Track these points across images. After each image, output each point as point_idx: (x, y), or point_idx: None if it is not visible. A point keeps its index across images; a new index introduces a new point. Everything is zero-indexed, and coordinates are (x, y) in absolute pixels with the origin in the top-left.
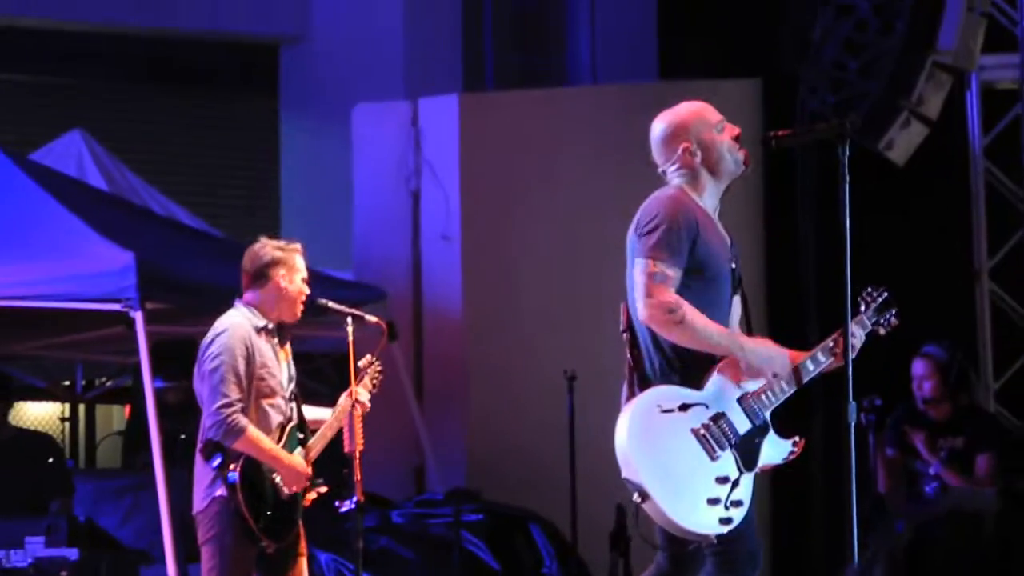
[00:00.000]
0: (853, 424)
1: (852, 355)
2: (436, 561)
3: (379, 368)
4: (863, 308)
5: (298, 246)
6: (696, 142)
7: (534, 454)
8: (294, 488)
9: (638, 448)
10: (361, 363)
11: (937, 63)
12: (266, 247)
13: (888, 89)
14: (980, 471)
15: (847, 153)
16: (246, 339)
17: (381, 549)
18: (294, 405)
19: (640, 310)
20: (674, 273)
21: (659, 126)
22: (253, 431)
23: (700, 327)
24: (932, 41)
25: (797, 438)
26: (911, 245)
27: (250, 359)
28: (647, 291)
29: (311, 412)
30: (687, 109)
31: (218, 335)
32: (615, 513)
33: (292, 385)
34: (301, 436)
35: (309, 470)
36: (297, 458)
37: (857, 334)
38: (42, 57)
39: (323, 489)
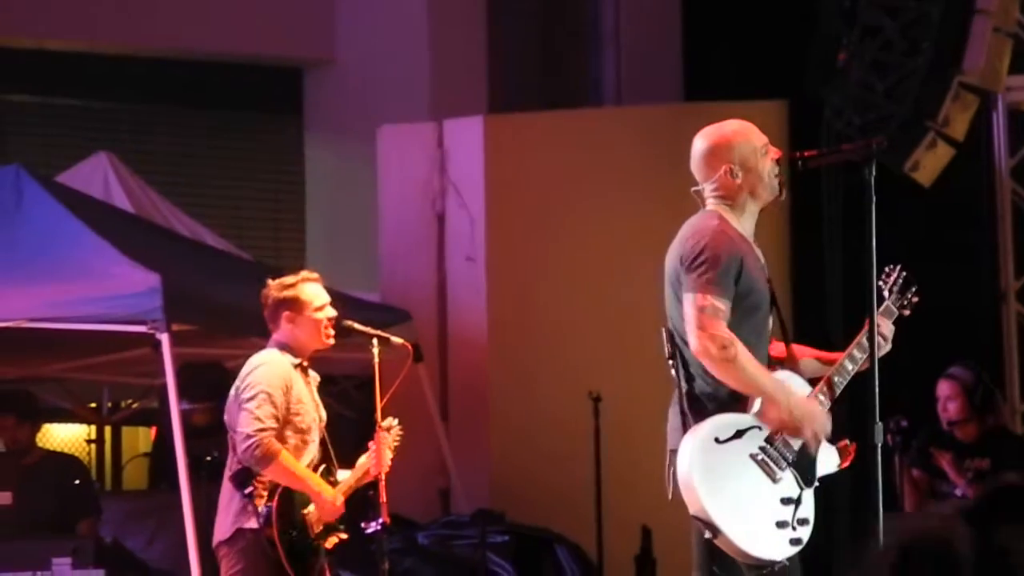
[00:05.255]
0: (879, 445)
1: (887, 347)
2: None
3: (400, 431)
4: (885, 294)
5: (305, 275)
6: (739, 163)
7: (559, 475)
8: (326, 518)
9: (702, 484)
10: (384, 423)
11: (963, 84)
12: (269, 290)
13: (914, 110)
14: None
15: (873, 174)
16: (284, 373)
17: (406, 571)
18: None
19: (692, 342)
20: (724, 306)
21: (702, 143)
22: (286, 456)
23: (750, 370)
24: (958, 62)
25: (847, 441)
26: (937, 267)
27: (287, 392)
28: (700, 324)
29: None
30: (732, 128)
31: (256, 367)
32: (640, 535)
33: (322, 426)
34: (331, 479)
35: (342, 503)
36: (330, 488)
37: (885, 324)
38: (67, 81)
39: (344, 536)
